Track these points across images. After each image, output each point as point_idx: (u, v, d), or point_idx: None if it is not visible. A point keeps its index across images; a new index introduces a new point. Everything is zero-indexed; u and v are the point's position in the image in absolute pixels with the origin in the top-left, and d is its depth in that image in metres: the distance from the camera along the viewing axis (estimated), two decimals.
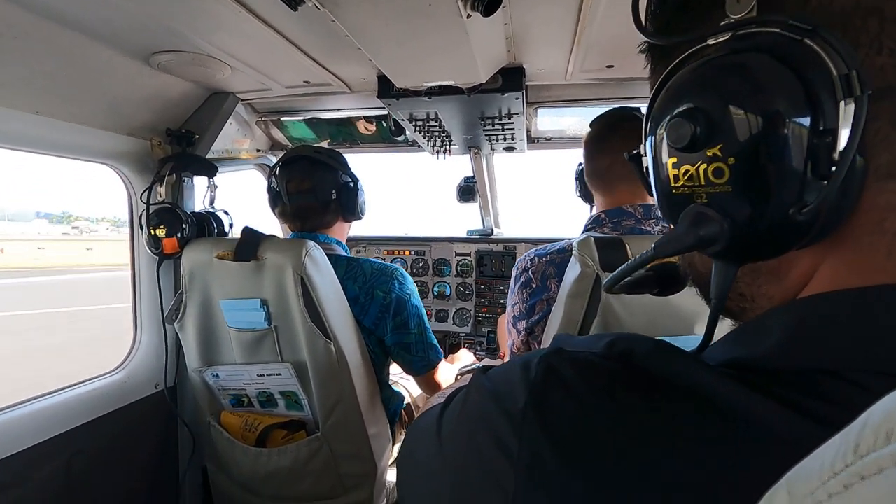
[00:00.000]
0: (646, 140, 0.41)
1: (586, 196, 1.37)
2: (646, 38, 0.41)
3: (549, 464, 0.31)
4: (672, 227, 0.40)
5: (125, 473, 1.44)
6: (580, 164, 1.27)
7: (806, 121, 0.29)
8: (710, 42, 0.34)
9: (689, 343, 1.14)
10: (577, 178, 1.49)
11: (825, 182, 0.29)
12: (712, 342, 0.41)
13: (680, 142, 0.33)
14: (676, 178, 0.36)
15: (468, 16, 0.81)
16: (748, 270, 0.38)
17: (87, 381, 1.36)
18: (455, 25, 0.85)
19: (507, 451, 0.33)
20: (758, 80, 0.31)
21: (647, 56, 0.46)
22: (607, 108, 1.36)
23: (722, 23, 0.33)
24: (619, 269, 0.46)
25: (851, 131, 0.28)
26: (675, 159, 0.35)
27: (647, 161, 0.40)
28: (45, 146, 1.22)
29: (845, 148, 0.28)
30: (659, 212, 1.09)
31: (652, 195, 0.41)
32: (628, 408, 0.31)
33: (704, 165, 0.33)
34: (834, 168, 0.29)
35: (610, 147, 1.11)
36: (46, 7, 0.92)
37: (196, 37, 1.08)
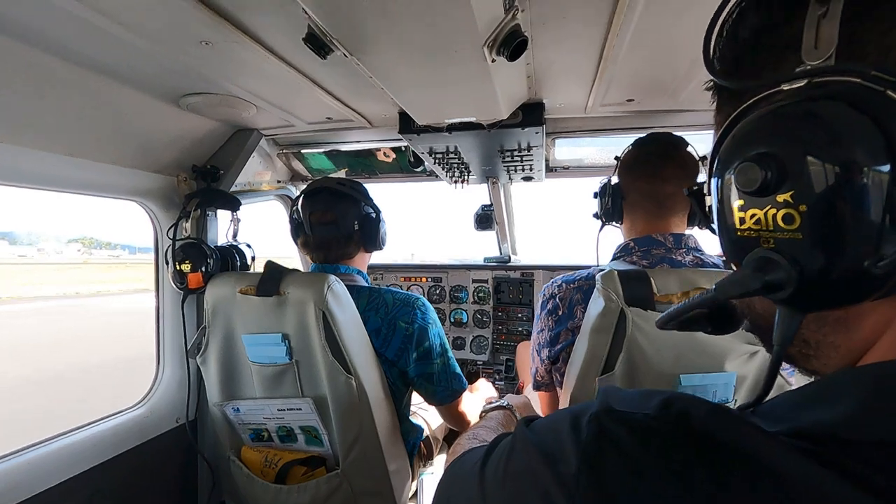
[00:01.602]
0: (710, 178, 0.40)
1: (613, 215, 1.22)
2: (715, 79, 0.41)
3: None
4: (733, 267, 0.40)
5: None
6: (609, 181, 1.20)
7: (886, 172, 0.28)
8: (785, 87, 0.34)
9: (718, 381, 1.09)
10: (604, 196, 1.29)
11: None
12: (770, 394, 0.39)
13: (749, 186, 0.33)
14: (742, 220, 0.35)
15: (493, 60, 0.82)
16: (814, 317, 0.37)
17: (109, 416, 1.37)
18: (480, 69, 0.86)
19: None
20: (836, 129, 0.30)
21: (713, 93, 0.46)
22: (624, 137, 1.36)
23: (798, 69, 0.33)
24: (676, 307, 0.45)
25: None
26: (742, 202, 0.35)
27: (711, 200, 0.40)
28: (78, 186, 1.26)
29: None
30: (691, 242, 1.08)
31: (714, 232, 0.41)
32: (691, 478, 0.30)
33: (774, 211, 0.33)
34: None
35: (667, 174, 1.08)
36: (85, 57, 0.97)
37: (224, 80, 1.12)
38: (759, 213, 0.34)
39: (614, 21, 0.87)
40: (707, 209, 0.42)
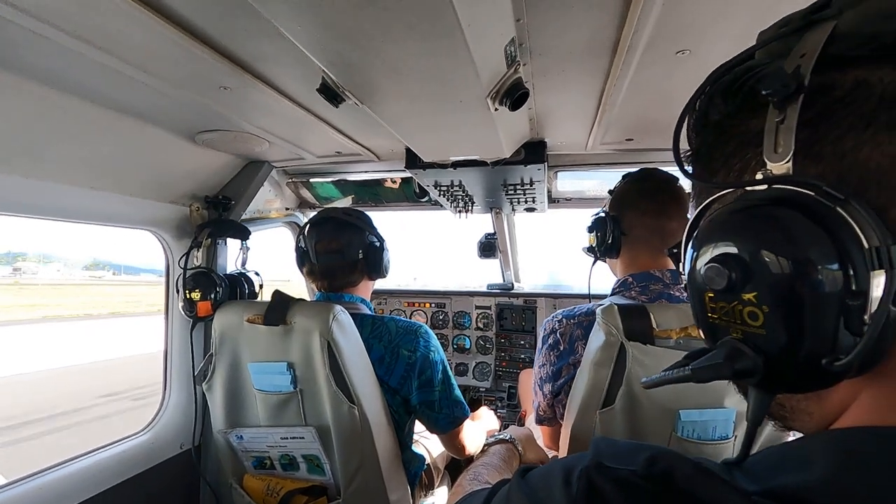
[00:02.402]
0: (684, 253, 0.43)
1: (610, 249, 1.15)
2: (686, 177, 0.44)
3: None
4: (704, 336, 0.42)
5: None
6: (607, 215, 1.16)
7: (838, 282, 0.31)
8: (748, 189, 0.36)
9: (718, 416, 1.10)
10: (601, 230, 1.18)
11: (857, 337, 0.31)
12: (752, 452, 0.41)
13: (716, 285, 0.35)
14: (713, 309, 0.38)
15: (496, 109, 0.87)
16: None
17: (115, 443, 1.39)
18: (483, 116, 0.91)
19: None
20: (793, 238, 0.33)
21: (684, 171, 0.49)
22: (626, 171, 1.38)
23: (759, 173, 0.36)
24: (659, 377, 0.47)
25: (883, 296, 0.30)
26: (712, 294, 0.37)
27: (685, 279, 0.42)
28: (96, 217, 1.31)
29: (876, 312, 0.30)
30: None
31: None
32: None
33: (740, 307, 0.35)
34: (866, 327, 0.30)
35: (672, 212, 1.11)
36: (111, 99, 1.02)
37: (239, 119, 1.17)
38: (728, 307, 0.36)
39: (611, 73, 0.92)
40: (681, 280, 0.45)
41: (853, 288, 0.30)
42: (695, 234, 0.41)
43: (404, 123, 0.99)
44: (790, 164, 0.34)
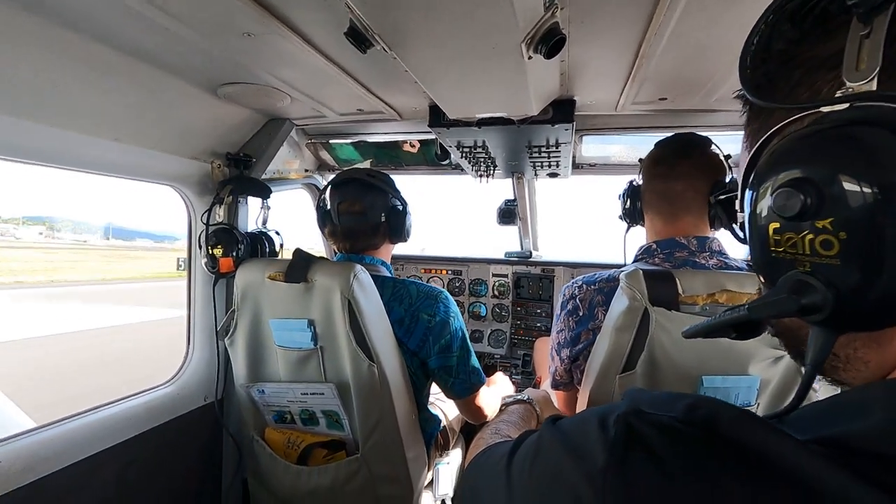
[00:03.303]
0: (743, 192, 0.41)
1: (633, 216, 1.23)
2: (748, 96, 0.40)
3: None
4: (762, 279, 0.40)
5: (172, 483, 1.50)
6: (633, 182, 1.21)
7: None
8: (825, 110, 0.33)
9: (740, 384, 1.09)
10: (627, 197, 1.29)
11: None
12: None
13: (787, 211, 0.33)
14: (778, 242, 0.35)
15: (529, 57, 0.83)
16: (846, 335, 0.37)
17: (141, 392, 1.43)
18: (515, 66, 0.87)
19: None
20: (879, 157, 0.30)
21: (744, 105, 0.46)
22: (653, 135, 1.34)
23: (839, 91, 0.33)
24: (705, 323, 0.46)
25: None
26: (777, 224, 0.35)
27: (743, 217, 0.40)
28: (120, 170, 1.31)
29: None
30: (715, 245, 1.07)
31: (743, 243, 0.41)
32: (718, 481, 0.31)
33: (811, 236, 0.33)
34: None
35: (682, 173, 1.08)
36: (131, 44, 1.00)
37: (262, 71, 1.14)
38: (796, 238, 0.34)
39: (653, 21, 0.86)
40: (737, 221, 0.42)
41: None
42: (755, 168, 0.38)
43: (432, 73, 0.96)
44: (875, 81, 0.31)
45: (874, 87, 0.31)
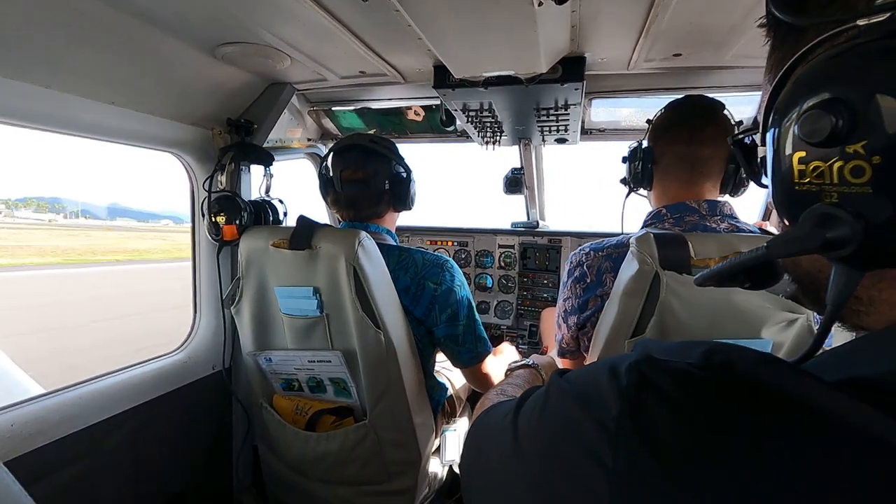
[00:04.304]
0: (765, 128, 0.38)
1: (642, 180, 1.16)
2: (781, 16, 0.36)
3: (649, 474, 0.30)
4: (786, 223, 0.38)
5: (184, 448, 1.52)
6: (639, 144, 1.16)
7: None
8: (861, 23, 0.30)
9: (753, 347, 1.09)
10: (637, 159, 1.19)
11: None
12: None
13: (815, 136, 0.30)
14: (802, 173, 0.33)
15: (540, 4, 0.78)
16: (871, 274, 0.35)
17: (151, 359, 1.44)
18: (525, 14, 0.82)
19: (600, 460, 0.32)
20: None
21: (768, 31, 0.42)
22: (665, 98, 1.30)
23: (878, 1, 0.30)
24: (721, 266, 0.43)
25: None
26: (803, 153, 0.33)
27: (765, 151, 0.37)
28: (117, 135, 1.28)
29: None
30: (726, 209, 1.04)
31: (761, 186, 0.39)
32: (736, 420, 0.29)
33: (841, 163, 0.30)
34: None
35: (706, 137, 1.05)
36: (127, 1, 0.96)
37: (260, 28, 1.10)
38: (823, 166, 0.31)
39: None
40: (758, 162, 0.39)
41: None
42: (780, 92, 0.35)
43: (436, 25, 0.91)
44: None
45: None
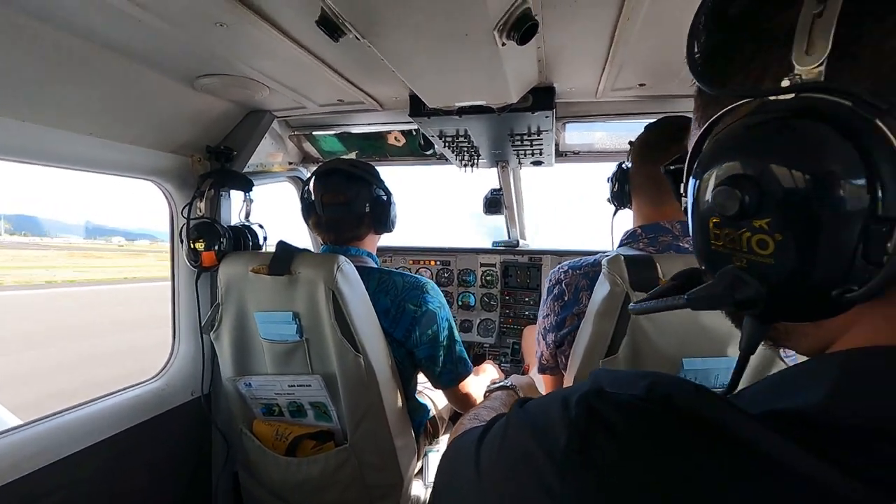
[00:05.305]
0: (687, 177, 0.40)
1: (621, 200, 1.23)
2: (699, 85, 0.39)
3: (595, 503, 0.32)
4: (703, 266, 0.40)
5: (163, 476, 1.50)
6: (622, 165, 1.21)
7: (864, 206, 0.28)
8: (771, 99, 0.32)
9: (719, 365, 1.11)
10: (615, 180, 1.27)
11: (873, 267, 0.29)
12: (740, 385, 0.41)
13: (726, 210, 0.33)
14: (717, 236, 0.36)
15: (503, 44, 0.83)
16: None
17: (129, 388, 1.43)
18: (490, 53, 0.86)
19: (550, 490, 0.34)
20: (818, 159, 0.29)
21: (694, 85, 0.44)
22: (637, 123, 1.35)
23: (786, 79, 0.31)
24: (651, 304, 0.46)
25: None
26: (717, 220, 0.35)
27: (687, 202, 0.40)
28: (96, 166, 1.29)
29: None
30: None
31: (686, 217, 0.41)
32: (677, 454, 0.31)
33: (748, 234, 0.33)
34: (886, 258, 0.28)
35: (668, 156, 1.08)
36: (104, 36, 0.98)
37: (238, 61, 1.13)
38: (734, 234, 0.34)
39: (626, 4, 0.86)
40: (683, 208, 0.42)
41: (880, 214, 0.28)
42: (700, 152, 0.38)
43: (407, 62, 0.95)
44: (822, 67, 0.30)
45: (822, 72, 0.30)
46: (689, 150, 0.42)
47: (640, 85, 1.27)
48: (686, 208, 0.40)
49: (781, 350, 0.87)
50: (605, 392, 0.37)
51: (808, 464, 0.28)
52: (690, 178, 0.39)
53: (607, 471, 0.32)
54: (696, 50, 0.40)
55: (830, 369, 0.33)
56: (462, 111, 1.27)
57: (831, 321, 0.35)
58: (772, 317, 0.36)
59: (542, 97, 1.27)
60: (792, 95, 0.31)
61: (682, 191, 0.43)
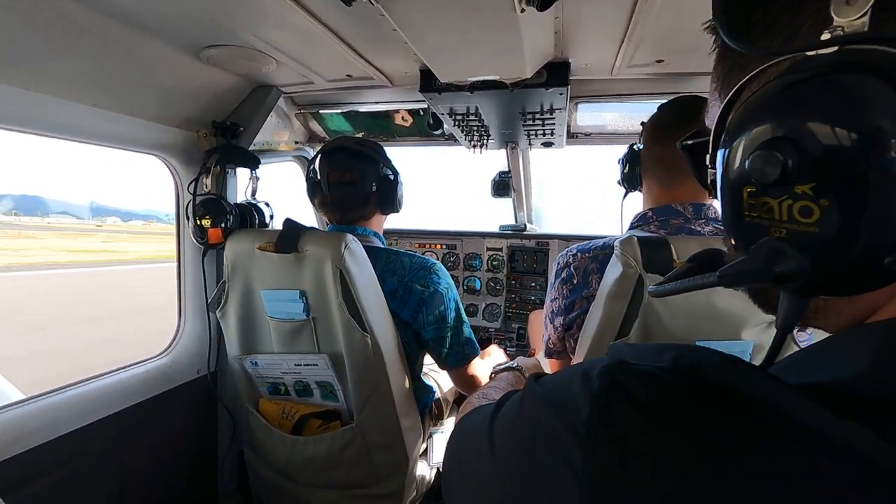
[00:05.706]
0: (714, 149, 0.38)
1: (632, 182, 1.22)
2: (730, 43, 0.35)
3: (617, 479, 0.30)
4: (732, 242, 0.38)
5: (168, 454, 1.51)
6: (633, 146, 1.18)
7: None
8: (811, 54, 0.30)
9: (733, 349, 1.10)
10: (626, 161, 1.26)
11: None
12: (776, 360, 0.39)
13: (766, 177, 0.30)
14: (752, 206, 0.33)
15: (522, 10, 0.80)
16: None
17: (135, 364, 1.43)
18: (508, 20, 0.83)
19: (571, 463, 0.32)
20: (869, 115, 0.27)
21: (717, 50, 0.42)
22: (651, 104, 1.31)
23: (826, 32, 0.29)
24: (675, 284, 0.44)
25: None
26: (753, 189, 0.33)
27: (714, 174, 0.38)
28: (100, 138, 1.27)
29: None
30: (711, 212, 1.06)
31: (712, 196, 0.39)
32: (705, 425, 0.30)
33: (790, 202, 0.31)
34: None
35: (679, 136, 1.05)
36: (108, 4, 0.95)
37: (245, 31, 1.10)
38: (772, 203, 0.31)
39: None
40: (710, 181, 0.39)
41: None
42: (728, 119, 0.35)
43: (421, 29, 0.92)
44: (866, 18, 0.28)
45: (865, 23, 0.28)
46: (713, 123, 0.40)
47: (658, 62, 1.24)
48: (713, 181, 0.38)
49: (796, 332, 0.85)
50: (629, 364, 0.35)
51: (860, 438, 0.26)
52: (718, 150, 0.36)
53: (632, 443, 0.31)
54: (721, 9, 0.37)
55: (871, 338, 0.31)
56: (474, 87, 1.24)
57: (867, 295, 0.33)
58: (813, 290, 0.33)
59: (556, 73, 1.23)
60: (835, 49, 0.29)
61: (707, 163, 0.40)
